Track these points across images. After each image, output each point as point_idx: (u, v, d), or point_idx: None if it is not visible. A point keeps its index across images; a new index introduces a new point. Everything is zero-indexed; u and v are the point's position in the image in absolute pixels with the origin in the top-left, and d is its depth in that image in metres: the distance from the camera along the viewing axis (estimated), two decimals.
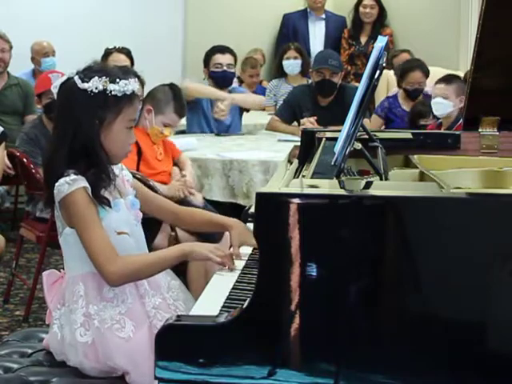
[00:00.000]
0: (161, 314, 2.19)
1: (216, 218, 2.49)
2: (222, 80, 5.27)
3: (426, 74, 5.72)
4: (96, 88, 2.18)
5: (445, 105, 4.77)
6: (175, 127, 4.22)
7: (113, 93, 2.19)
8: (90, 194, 2.15)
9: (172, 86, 4.07)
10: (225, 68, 5.23)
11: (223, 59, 5.22)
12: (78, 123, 2.18)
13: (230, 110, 5.33)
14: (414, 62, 5.98)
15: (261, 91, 7.22)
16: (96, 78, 2.18)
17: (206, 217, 2.51)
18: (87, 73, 2.21)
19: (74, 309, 2.17)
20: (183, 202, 3.93)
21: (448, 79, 4.91)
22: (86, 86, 2.18)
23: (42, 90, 4.41)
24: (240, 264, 2.24)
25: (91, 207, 2.14)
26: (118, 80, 2.20)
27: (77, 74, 2.21)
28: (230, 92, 5.37)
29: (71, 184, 2.13)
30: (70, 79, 2.22)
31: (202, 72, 5.46)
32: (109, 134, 2.21)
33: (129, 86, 2.21)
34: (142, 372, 2.09)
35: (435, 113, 4.85)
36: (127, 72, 2.28)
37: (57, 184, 2.15)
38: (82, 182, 2.14)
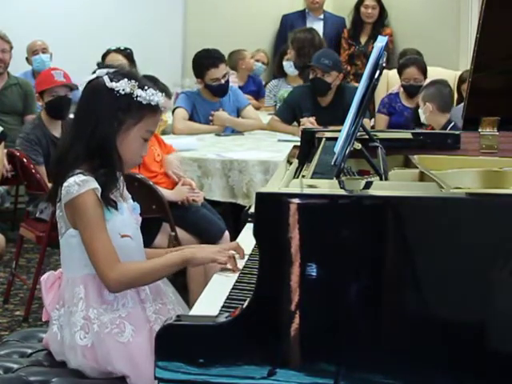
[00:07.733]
0: (161, 319, 2.17)
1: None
2: (218, 91, 5.26)
3: (423, 70, 5.79)
4: (123, 90, 2.16)
5: (421, 113, 4.92)
6: (167, 110, 4.21)
7: (138, 99, 2.16)
8: (99, 195, 2.13)
9: (149, 76, 4.02)
10: (222, 81, 5.21)
11: (219, 73, 5.15)
12: (97, 121, 2.16)
13: (229, 109, 5.35)
14: (410, 58, 6.07)
15: (253, 85, 7.22)
16: (126, 79, 2.17)
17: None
18: (117, 74, 2.20)
19: (73, 311, 2.16)
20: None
21: (423, 87, 5.08)
22: (114, 85, 2.16)
23: (44, 87, 4.33)
24: (240, 264, 2.24)
25: (98, 210, 2.12)
26: (146, 87, 2.18)
27: (106, 73, 2.19)
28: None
29: (81, 185, 2.10)
30: (98, 78, 2.20)
31: None
32: (124, 139, 2.18)
33: (155, 96, 2.19)
34: (142, 376, 2.09)
35: (421, 120, 4.98)
36: (156, 83, 2.26)
37: (65, 184, 2.12)
38: (92, 184, 2.12)
